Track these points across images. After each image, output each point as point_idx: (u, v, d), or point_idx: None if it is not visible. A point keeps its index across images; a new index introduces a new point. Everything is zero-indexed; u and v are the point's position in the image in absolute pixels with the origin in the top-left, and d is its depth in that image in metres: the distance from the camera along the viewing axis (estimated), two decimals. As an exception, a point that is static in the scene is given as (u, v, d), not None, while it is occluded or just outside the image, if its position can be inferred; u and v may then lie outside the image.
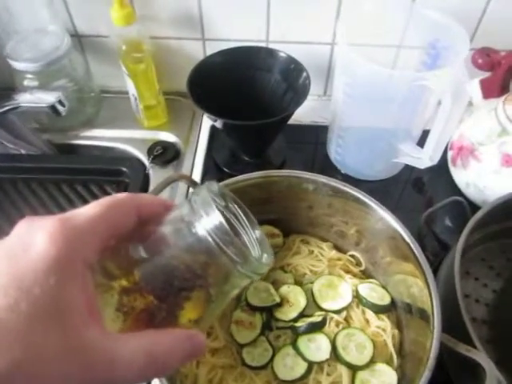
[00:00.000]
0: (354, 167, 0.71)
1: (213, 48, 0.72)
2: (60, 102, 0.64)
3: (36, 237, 0.22)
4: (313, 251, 0.57)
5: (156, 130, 0.78)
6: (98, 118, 0.80)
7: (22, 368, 0.19)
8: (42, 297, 0.21)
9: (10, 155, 0.73)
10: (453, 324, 0.41)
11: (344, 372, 0.45)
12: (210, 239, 0.25)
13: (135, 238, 0.26)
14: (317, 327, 0.48)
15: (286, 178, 0.52)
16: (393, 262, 0.51)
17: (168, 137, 0.77)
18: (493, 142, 0.59)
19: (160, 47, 0.76)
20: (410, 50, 0.70)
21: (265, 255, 0.30)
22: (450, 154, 0.68)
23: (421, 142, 0.63)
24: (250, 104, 0.67)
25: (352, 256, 0.57)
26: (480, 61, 0.63)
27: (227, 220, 0.27)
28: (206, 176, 0.72)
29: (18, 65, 0.68)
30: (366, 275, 0.56)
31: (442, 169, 0.68)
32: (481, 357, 0.38)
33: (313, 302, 0.50)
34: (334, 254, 0.56)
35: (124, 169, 0.73)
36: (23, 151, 0.73)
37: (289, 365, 0.46)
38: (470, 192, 0.64)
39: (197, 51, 0.77)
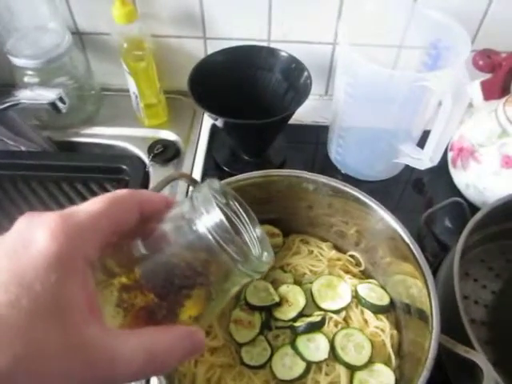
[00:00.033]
0: (354, 167, 0.71)
1: (214, 47, 0.72)
2: (60, 98, 0.63)
3: (36, 233, 0.22)
4: (312, 251, 0.57)
5: (156, 128, 0.78)
6: (98, 116, 0.80)
7: (23, 364, 0.19)
8: (43, 294, 0.20)
9: (10, 152, 0.73)
10: (451, 325, 0.41)
11: (342, 372, 0.45)
12: (210, 237, 0.25)
13: (136, 235, 0.26)
14: (316, 327, 0.48)
15: (286, 177, 0.52)
16: (392, 262, 0.51)
17: (168, 135, 0.77)
18: (493, 143, 0.59)
19: (161, 45, 0.76)
20: (411, 51, 0.70)
21: (265, 253, 0.30)
22: (450, 155, 0.68)
23: (421, 143, 0.63)
24: (250, 103, 0.67)
25: (352, 256, 0.57)
26: (481, 62, 0.63)
27: (228, 218, 0.27)
28: (206, 175, 0.72)
29: (18, 61, 0.68)
30: (365, 275, 0.56)
31: (442, 170, 0.68)
32: (479, 358, 0.38)
33: (312, 302, 0.50)
34: (333, 254, 0.56)
35: (124, 167, 0.73)
36: (23, 148, 0.73)
37: (287, 364, 0.46)
38: (470, 193, 0.64)
39: (198, 50, 0.77)
